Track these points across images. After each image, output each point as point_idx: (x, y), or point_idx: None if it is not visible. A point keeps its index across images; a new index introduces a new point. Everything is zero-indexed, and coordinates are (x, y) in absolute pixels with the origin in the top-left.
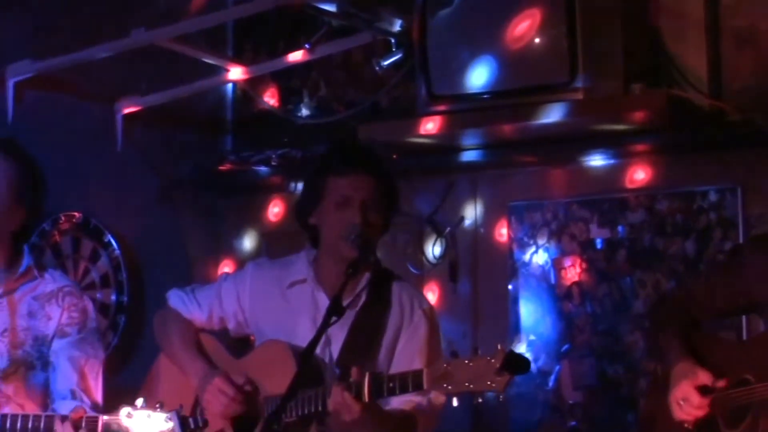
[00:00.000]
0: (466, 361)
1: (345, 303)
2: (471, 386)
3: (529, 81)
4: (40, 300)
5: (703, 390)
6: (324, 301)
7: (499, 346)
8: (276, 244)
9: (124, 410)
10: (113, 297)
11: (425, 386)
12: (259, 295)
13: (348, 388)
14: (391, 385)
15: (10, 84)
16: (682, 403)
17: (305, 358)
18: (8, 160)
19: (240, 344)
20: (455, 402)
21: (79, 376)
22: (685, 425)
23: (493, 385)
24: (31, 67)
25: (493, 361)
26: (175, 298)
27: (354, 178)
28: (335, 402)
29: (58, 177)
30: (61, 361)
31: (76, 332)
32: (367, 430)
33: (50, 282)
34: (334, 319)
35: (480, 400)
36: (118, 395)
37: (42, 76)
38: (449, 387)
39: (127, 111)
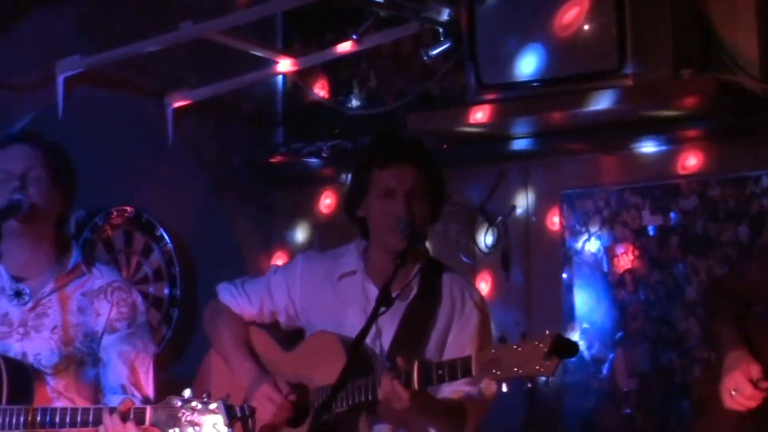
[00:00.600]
0: (515, 347)
1: (395, 294)
2: (519, 371)
3: (579, 68)
4: (89, 296)
5: (754, 382)
6: (374, 293)
7: (547, 331)
8: (328, 236)
9: (172, 400)
10: (166, 291)
11: (474, 372)
12: (309, 288)
13: (397, 377)
14: (440, 372)
15: (60, 80)
16: (733, 393)
17: (354, 348)
18: (42, 151)
19: (290, 336)
20: (504, 387)
21: (129, 371)
22: (739, 412)
23: (542, 369)
24: (80, 62)
25: (541, 345)
26: (224, 292)
27: (397, 169)
28: (385, 391)
29: (109, 172)
30: (111, 357)
31: (126, 327)
32: (417, 418)
33: (98, 278)
34: (383, 309)
35: (529, 386)
36: (172, 388)
37: (91, 71)
38: (498, 372)
39: (177, 105)
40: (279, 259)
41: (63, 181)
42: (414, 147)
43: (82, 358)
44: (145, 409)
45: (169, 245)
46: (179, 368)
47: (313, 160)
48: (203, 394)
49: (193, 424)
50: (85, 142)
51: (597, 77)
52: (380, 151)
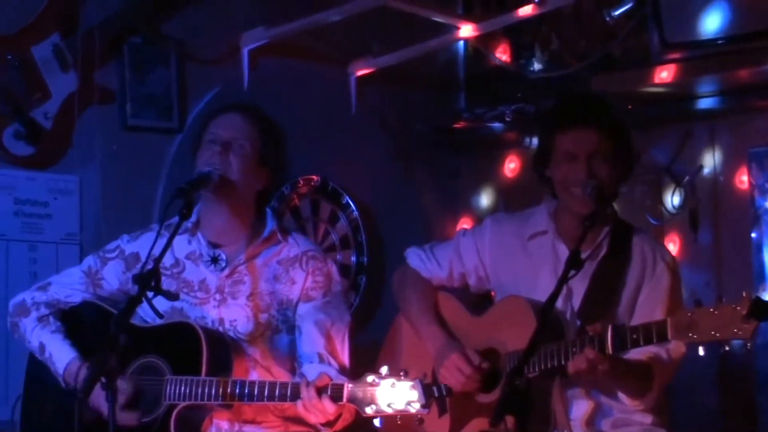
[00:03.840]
0: (711, 310)
1: (584, 255)
2: (717, 334)
3: (764, 24)
4: (284, 264)
5: None
6: (564, 253)
7: (744, 293)
8: (513, 200)
9: (369, 378)
10: (353, 258)
11: (669, 336)
12: (499, 249)
13: (591, 342)
14: (634, 336)
15: (245, 52)
16: None
17: (545, 312)
18: (253, 125)
19: (479, 301)
20: (701, 351)
21: (325, 340)
22: None
23: (740, 332)
24: (264, 34)
25: (738, 308)
26: (414, 257)
27: (577, 132)
28: (578, 363)
29: (294, 141)
30: (307, 325)
31: (321, 296)
32: (610, 383)
33: (294, 246)
34: (572, 273)
35: (726, 349)
36: (361, 354)
37: (275, 42)
38: (694, 336)
39: (360, 73)
40: (465, 224)
41: (269, 158)
42: (596, 109)
43: (276, 326)
44: (342, 386)
45: (355, 213)
46: (367, 335)
47: (497, 125)
48: (400, 372)
49: (390, 402)
50: (270, 112)
51: None
52: (561, 114)
